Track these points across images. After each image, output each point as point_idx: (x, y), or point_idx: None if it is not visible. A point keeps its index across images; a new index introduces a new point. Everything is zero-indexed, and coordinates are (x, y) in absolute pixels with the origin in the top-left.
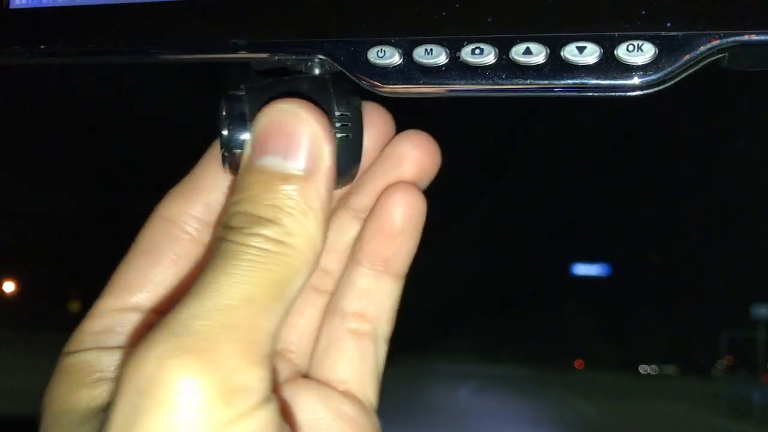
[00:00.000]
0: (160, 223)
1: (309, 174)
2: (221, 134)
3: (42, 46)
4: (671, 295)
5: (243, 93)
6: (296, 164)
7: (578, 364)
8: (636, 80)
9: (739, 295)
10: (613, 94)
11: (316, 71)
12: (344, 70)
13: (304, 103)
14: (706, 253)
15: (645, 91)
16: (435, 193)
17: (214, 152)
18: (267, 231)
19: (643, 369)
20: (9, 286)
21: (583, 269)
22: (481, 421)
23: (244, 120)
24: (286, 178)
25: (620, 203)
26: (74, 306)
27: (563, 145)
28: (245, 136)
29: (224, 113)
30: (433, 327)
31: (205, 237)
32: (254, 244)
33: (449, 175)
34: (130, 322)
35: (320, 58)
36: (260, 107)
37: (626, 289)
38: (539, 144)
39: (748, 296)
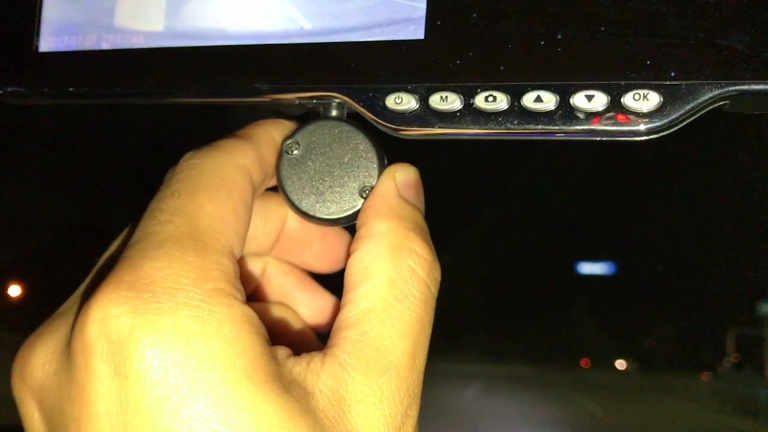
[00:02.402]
0: (248, 178)
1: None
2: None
3: (70, 89)
4: (677, 292)
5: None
6: (423, 210)
7: (584, 362)
8: (642, 127)
9: (746, 293)
10: (620, 139)
11: (334, 113)
12: (364, 114)
13: None
14: (712, 250)
15: (651, 137)
16: (442, 194)
17: (277, 128)
18: (431, 258)
19: (620, 365)
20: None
21: (588, 268)
22: (487, 421)
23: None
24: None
25: (625, 202)
26: None
27: (570, 149)
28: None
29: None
30: (438, 328)
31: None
32: (431, 260)
33: (455, 177)
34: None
35: (339, 102)
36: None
37: (632, 287)
38: (547, 147)
39: (755, 294)
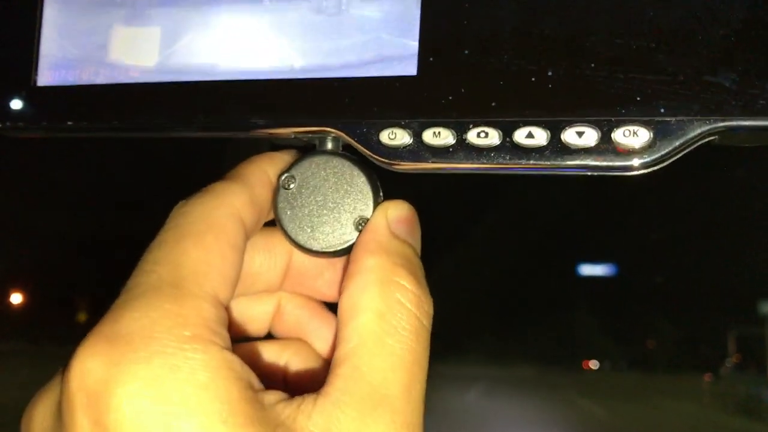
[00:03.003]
0: (237, 220)
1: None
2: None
3: (68, 122)
4: (678, 294)
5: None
6: (419, 251)
7: (586, 364)
8: (632, 162)
9: (746, 293)
10: (611, 173)
11: (329, 146)
12: (358, 148)
13: None
14: (712, 251)
15: (641, 172)
16: (445, 200)
17: (270, 163)
18: (424, 297)
19: (594, 364)
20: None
21: (589, 270)
22: (490, 423)
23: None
24: (418, 256)
25: (627, 204)
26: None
27: None
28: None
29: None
30: (440, 331)
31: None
32: (419, 293)
33: (457, 182)
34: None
35: (334, 136)
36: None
37: (633, 289)
38: None
39: (756, 294)
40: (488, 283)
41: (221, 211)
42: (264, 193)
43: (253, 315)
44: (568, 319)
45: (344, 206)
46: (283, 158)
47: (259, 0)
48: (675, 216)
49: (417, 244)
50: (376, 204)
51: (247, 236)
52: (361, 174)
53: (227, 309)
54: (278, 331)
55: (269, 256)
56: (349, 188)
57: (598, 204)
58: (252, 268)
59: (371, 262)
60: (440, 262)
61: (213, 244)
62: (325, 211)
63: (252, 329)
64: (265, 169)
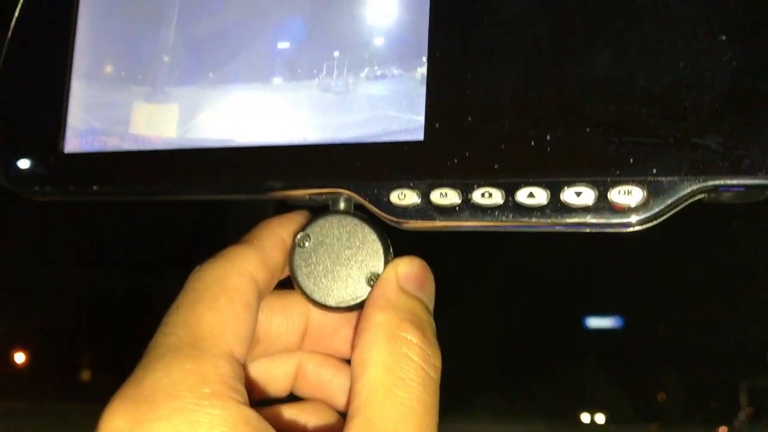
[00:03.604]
0: (250, 281)
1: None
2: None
3: (94, 187)
4: (687, 345)
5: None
6: (430, 305)
7: (597, 417)
8: (628, 219)
9: (757, 343)
10: (608, 230)
11: (342, 206)
12: (370, 208)
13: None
14: (720, 301)
15: (637, 228)
16: (450, 256)
17: (281, 226)
18: (432, 352)
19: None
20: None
21: (596, 323)
22: None
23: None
24: (428, 310)
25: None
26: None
27: None
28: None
29: (384, 247)
30: (449, 389)
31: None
32: (425, 347)
33: (461, 237)
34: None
35: (347, 196)
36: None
37: (641, 341)
38: None
39: (765, 344)
40: (495, 338)
41: (234, 274)
42: (276, 255)
43: (275, 376)
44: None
45: (356, 263)
46: (293, 220)
47: (271, 80)
48: (681, 268)
49: (428, 298)
50: (387, 260)
51: (261, 296)
52: (372, 232)
53: (245, 367)
54: (300, 390)
55: (287, 317)
56: (360, 245)
57: (603, 257)
58: (270, 330)
59: (379, 318)
60: (447, 317)
61: (227, 307)
62: (338, 268)
63: (274, 390)
64: (277, 232)
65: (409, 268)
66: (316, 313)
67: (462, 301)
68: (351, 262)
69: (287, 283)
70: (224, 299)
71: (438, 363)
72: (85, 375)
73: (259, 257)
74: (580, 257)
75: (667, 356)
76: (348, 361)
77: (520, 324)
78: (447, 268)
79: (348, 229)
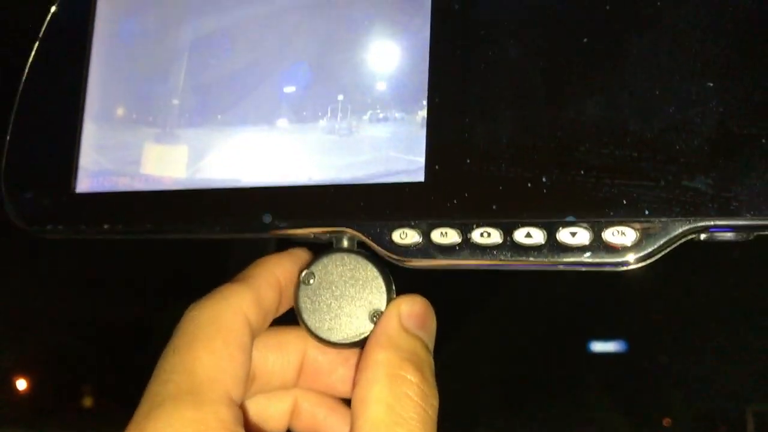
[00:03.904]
0: (244, 321)
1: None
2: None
3: (105, 226)
4: (693, 369)
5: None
6: (431, 344)
7: None
8: (622, 259)
9: (763, 368)
10: (603, 269)
11: (345, 244)
12: (372, 247)
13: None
14: (726, 325)
15: (631, 267)
16: (454, 283)
17: (278, 265)
18: (429, 392)
19: None
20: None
21: (600, 347)
22: None
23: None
24: (428, 349)
25: (637, 281)
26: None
27: None
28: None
29: (386, 284)
30: (452, 414)
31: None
32: (423, 387)
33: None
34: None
35: (350, 235)
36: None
37: (647, 366)
38: None
39: None
40: (498, 363)
41: (228, 314)
42: (270, 294)
43: (271, 413)
44: (581, 398)
45: (360, 300)
46: (289, 259)
47: (277, 122)
48: (687, 292)
49: (429, 337)
50: (389, 296)
51: (254, 335)
52: (375, 269)
53: (242, 407)
54: (297, 428)
55: (282, 354)
56: (364, 283)
57: (606, 283)
58: (266, 367)
59: (381, 357)
60: (450, 343)
61: (223, 349)
62: (342, 305)
63: (270, 427)
64: (272, 271)
65: (411, 306)
66: (312, 350)
67: (465, 326)
68: (354, 299)
69: (290, 319)
70: (219, 341)
71: (436, 402)
72: (87, 402)
73: (253, 296)
74: (583, 283)
75: (673, 381)
76: (344, 400)
77: (524, 350)
78: (449, 295)
79: (351, 266)
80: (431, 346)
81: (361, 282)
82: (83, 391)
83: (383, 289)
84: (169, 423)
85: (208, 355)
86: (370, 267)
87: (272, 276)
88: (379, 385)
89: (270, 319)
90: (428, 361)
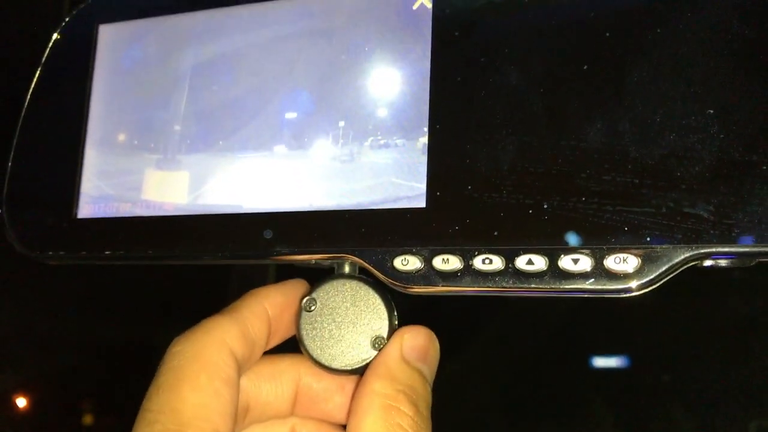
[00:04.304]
0: (229, 354)
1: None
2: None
3: (107, 252)
4: (694, 384)
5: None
6: (430, 376)
7: None
8: (623, 286)
9: (765, 383)
10: (605, 296)
11: (346, 270)
12: (374, 273)
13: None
14: (728, 340)
15: (632, 294)
16: (452, 304)
17: (266, 298)
18: (423, 424)
19: None
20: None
21: (602, 362)
22: None
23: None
24: (426, 382)
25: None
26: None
27: None
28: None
29: (388, 310)
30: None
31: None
32: (417, 420)
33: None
34: None
35: (351, 261)
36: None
37: (649, 382)
38: None
39: None
40: (500, 380)
41: (212, 349)
42: (257, 325)
43: None
44: (584, 414)
45: (361, 326)
46: (279, 290)
47: (278, 148)
48: (689, 307)
49: (429, 370)
50: (391, 322)
51: (241, 367)
52: (377, 295)
53: None
54: None
55: (276, 384)
56: (365, 309)
57: (608, 301)
58: (260, 398)
59: (377, 386)
60: (453, 361)
61: (207, 386)
62: (343, 332)
63: None
64: (260, 302)
65: (414, 339)
66: (306, 378)
67: (468, 343)
68: (356, 326)
69: (287, 346)
70: (204, 377)
71: None
72: (87, 420)
73: (238, 328)
74: (585, 301)
75: (676, 397)
76: (341, 426)
77: (527, 367)
78: (451, 314)
79: (352, 292)
80: (431, 378)
81: (362, 308)
82: (84, 410)
83: (385, 315)
84: None
85: (192, 393)
86: (372, 293)
87: (259, 307)
88: (373, 415)
89: (259, 352)
90: (424, 395)
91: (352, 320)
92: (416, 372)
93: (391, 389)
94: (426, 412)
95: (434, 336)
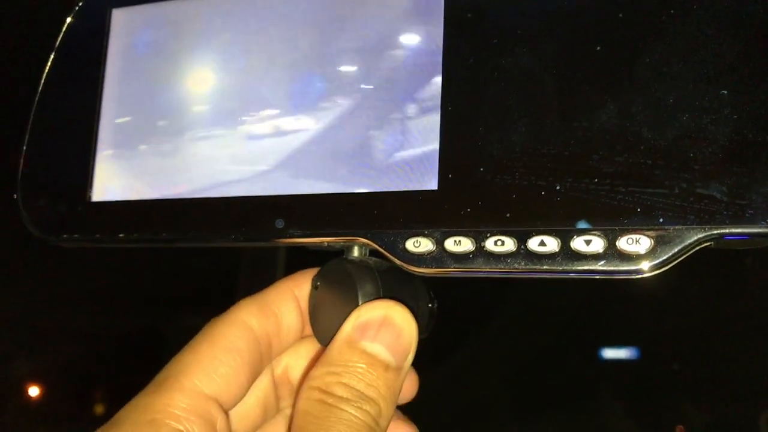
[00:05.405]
0: (241, 326)
1: (399, 369)
2: (359, 299)
3: (121, 235)
4: (705, 376)
5: (372, 270)
6: (396, 359)
7: None
8: (637, 267)
9: None
10: (618, 277)
11: (356, 253)
12: (386, 255)
13: (409, 312)
14: (738, 331)
15: (645, 275)
16: (464, 290)
17: (292, 281)
18: (371, 409)
19: None
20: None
21: (612, 354)
22: None
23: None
24: (387, 367)
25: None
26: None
27: None
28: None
29: (362, 288)
30: (462, 422)
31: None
32: (362, 417)
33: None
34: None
35: (362, 243)
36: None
37: (659, 373)
38: None
39: None
40: (509, 372)
41: (223, 324)
42: (282, 305)
43: None
44: (593, 405)
45: (342, 307)
46: (306, 274)
47: (289, 132)
48: (699, 298)
49: (386, 346)
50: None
51: (260, 342)
52: (352, 277)
53: (227, 413)
54: None
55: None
56: (346, 290)
57: (618, 290)
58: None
59: (311, 373)
60: (460, 351)
61: (206, 350)
62: (333, 311)
63: None
64: (286, 284)
65: (368, 315)
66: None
67: (476, 333)
68: (339, 306)
69: None
70: (205, 344)
71: (372, 410)
72: (99, 410)
73: (256, 306)
74: (594, 290)
75: (685, 388)
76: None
77: (535, 357)
78: (459, 303)
79: (341, 273)
80: (394, 355)
81: (345, 289)
82: (96, 399)
83: (357, 299)
84: (126, 408)
85: (188, 355)
86: (353, 274)
87: (285, 288)
88: (301, 402)
89: (292, 332)
90: (368, 375)
91: (338, 301)
92: (357, 352)
93: (323, 371)
94: (374, 393)
95: (397, 308)
